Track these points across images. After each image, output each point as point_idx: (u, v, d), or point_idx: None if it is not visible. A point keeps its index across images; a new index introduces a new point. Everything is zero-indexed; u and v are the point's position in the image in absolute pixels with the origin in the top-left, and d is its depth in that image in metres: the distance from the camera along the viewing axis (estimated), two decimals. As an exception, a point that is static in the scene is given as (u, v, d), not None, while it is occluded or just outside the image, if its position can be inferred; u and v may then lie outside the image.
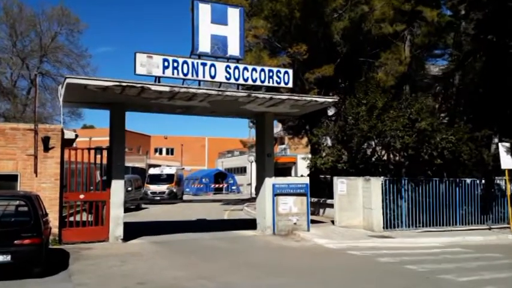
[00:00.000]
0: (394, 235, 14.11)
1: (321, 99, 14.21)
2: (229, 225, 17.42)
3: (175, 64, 12.25)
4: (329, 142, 19.51)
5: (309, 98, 13.99)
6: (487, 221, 16.06)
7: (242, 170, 52.75)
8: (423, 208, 15.24)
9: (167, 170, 35.64)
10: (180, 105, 13.68)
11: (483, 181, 16.38)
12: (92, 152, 13.10)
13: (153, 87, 11.70)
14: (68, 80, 11.20)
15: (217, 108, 14.26)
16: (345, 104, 18.70)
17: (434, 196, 15.41)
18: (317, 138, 19.24)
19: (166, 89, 11.81)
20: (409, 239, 13.68)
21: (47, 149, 12.01)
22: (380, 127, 15.71)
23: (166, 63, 12.14)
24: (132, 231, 13.40)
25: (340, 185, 15.78)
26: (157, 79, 12.11)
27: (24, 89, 31.74)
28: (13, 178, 11.73)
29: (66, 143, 13.03)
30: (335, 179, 16.09)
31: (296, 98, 13.51)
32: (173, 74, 12.24)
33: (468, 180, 16.03)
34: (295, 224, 14.55)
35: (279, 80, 13.57)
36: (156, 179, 33.57)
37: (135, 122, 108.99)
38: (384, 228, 14.73)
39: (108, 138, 13.51)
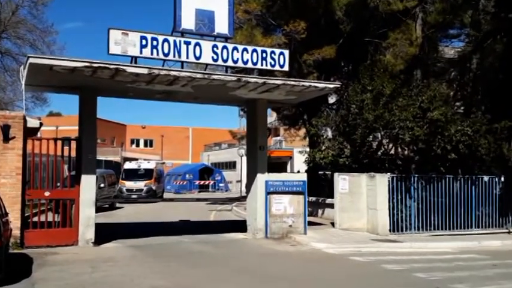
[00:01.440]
0: (401, 239, 14.21)
1: (320, 85, 14.20)
2: (216, 227, 17.47)
3: (155, 42, 12.18)
4: (329, 134, 19.57)
5: (307, 83, 13.97)
6: (506, 223, 16.21)
7: (231, 165, 52.82)
8: (435, 209, 15.35)
9: (145, 165, 35.71)
10: (160, 90, 13.61)
11: (502, 179, 16.49)
12: (59, 142, 13.02)
13: (129, 69, 11.60)
14: (31, 60, 11.07)
15: (203, 94, 14.21)
16: (347, 91, 18.73)
17: (447, 195, 15.50)
18: (316, 129, 19.28)
19: (144, 71, 11.72)
20: (419, 244, 13.79)
21: (6, 139, 11.89)
22: (387, 117, 15.75)
23: (144, 42, 12.07)
24: (105, 233, 13.38)
25: (342, 182, 15.84)
26: (134, 59, 12.04)
27: (-20, 70, 31.38)
28: (-32, 173, 11.62)
29: (29, 133, 12.90)
30: (336, 175, 16.14)
31: (293, 83, 13.49)
32: (152, 54, 12.18)
33: (486, 178, 16.15)
34: (290, 226, 14.60)
35: (273, 62, 13.54)
36: (133, 175, 33.53)
37: (108, 109, 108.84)
38: (390, 231, 14.83)
39: (77, 128, 13.42)
